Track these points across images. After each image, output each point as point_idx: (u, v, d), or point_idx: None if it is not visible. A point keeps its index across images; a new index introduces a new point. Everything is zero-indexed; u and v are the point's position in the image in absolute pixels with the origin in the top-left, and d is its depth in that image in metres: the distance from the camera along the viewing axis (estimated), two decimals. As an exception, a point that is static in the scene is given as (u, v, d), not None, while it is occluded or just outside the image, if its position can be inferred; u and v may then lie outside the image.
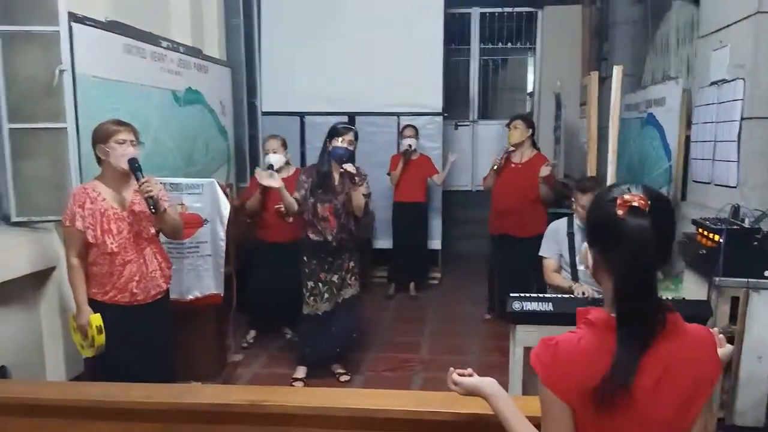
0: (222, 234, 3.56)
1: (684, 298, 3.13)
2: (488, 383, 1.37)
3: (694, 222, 3.34)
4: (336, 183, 3.66)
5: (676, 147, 4.32)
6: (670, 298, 3.10)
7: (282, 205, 3.77)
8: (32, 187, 3.22)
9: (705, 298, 3.08)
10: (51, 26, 3.17)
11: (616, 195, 1.15)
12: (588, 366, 1.13)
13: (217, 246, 3.57)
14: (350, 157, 3.60)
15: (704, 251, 3.14)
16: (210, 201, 3.55)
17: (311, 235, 3.62)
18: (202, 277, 3.59)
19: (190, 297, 3.58)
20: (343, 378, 3.77)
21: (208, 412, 1.67)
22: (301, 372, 3.76)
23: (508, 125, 4.70)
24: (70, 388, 2.02)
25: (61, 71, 3.19)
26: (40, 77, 3.19)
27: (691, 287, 3.40)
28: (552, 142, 6.65)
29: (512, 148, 4.61)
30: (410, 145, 5.41)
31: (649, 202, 1.13)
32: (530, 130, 4.60)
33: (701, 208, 3.76)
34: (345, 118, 5.89)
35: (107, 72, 3.63)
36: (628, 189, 1.16)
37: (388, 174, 5.54)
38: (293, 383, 3.68)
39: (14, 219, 3.21)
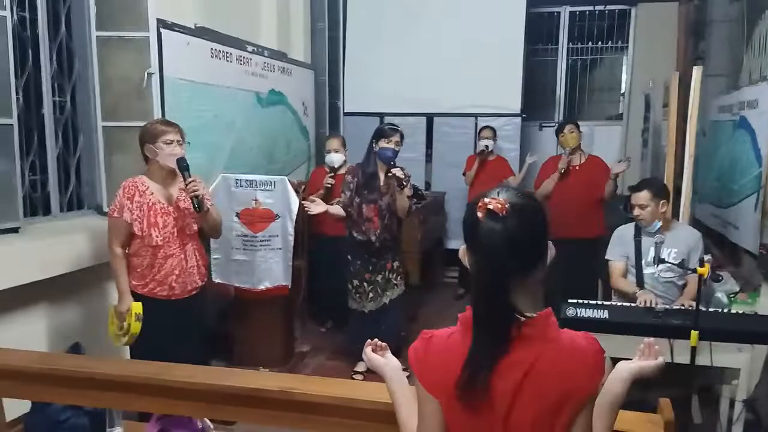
0: (291, 229, 3.73)
1: (756, 313, 2.95)
2: (391, 366, 1.40)
3: (774, 233, 3.13)
4: (381, 184, 3.71)
5: (767, 152, 4.04)
6: (740, 312, 2.94)
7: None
8: (122, 181, 3.49)
9: (782, 313, 2.89)
10: (141, 32, 3.44)
11: (482, 197, 1.15)
12: (452, 362, 1.15)
13: (286, 240, 3.75)
14: (396, 157, 3.65)
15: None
16: (281, 197, 3.73)
17: (355, 234, 3.70)
18: (272, 269, 3.78)
19: (261, 287, 3.78)
20: (368, 368, 3.82)
21: (242, 395, 1.79)
22: (361, 366, 3.85)
23: (558, 132, 4.66)
24: (122, 365, 2.20)
25: (150, 74, 3.47)
26: (131, 79, 3.46)
27: (768, 302, 3.20)
28: (639, 145, 6.37)
29: (570, 152, 4.57)
30: (486, 146, 5.38)
31: (507, 207, 1.12)
32: (581, 134, 4.64)
33: (790, 219, 3.50)
34: (423, 119, 5.97)
35: (194, 75, 3.90)
36: (497, 193, 1.16)
37: (464, 174, 5.54)
38: (353, 376, 3.79)
39: (106, 209, 3.50)
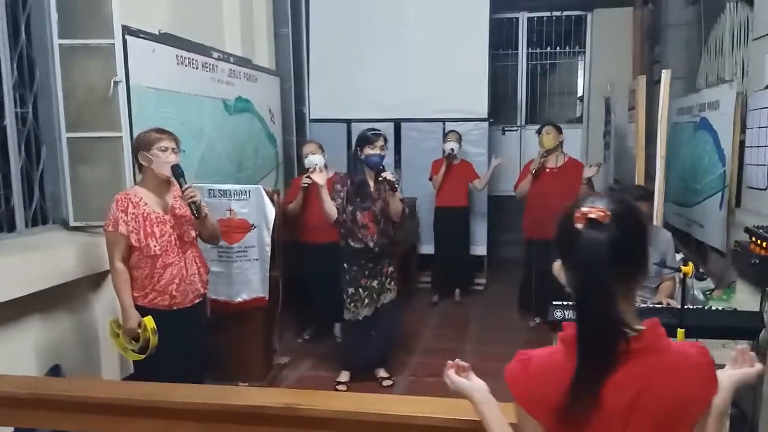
0: (268, 239, 3.65)
1: (735, 309, 3.03)
2: (478, 389, 1.34)
3: (747, 230, 3.22)
4: (372, 190, 3.69)
5: (730, 152, 4.18)
6: (720, 308, 3.01)
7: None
8: (89, 193, 3.36)
9: (758, 309, 2.97)
10: (106, 39, 3.31)
11: (577, 207, 1.11)
12: (556, 382, 1.09)
13: (263, 250, 3.67)
14: (382, 162, 3.64)
15: (757, 260, 3.02)
16: (256, 206, 3.65)
17: (352, 243, 3.66)
18: (249, 281, 3.69)
19: (239, 300, 3.69)
20: (386, 383, 3.80)
21: (245, 413, 1.71)
22: (344, 376, 3.81)
23: (538, 132, 4.75)
24: (116, 386, 2.11)
25: (116, 82, 3.34)
26: (96, 88, 3.34)
27: (744, 298, 3.28)
28: (602, 147, 6.52)
29: (545, 153, 4.64)
30: (452, 149, 5.42)
31: (609, 215, 1.07)
32: (561, 136, 4.71)
33: (755, 215, 3.62)
34: (391, 125, 5.95)
35: (160, 82, 3.79)
36: (592, 201, 1.11)
37: (430, 179, 5.55)
38: (337, 387, 3.73)
39: (72, 224, 3.37)
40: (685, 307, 2.74)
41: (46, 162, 3.34)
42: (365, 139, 3.64)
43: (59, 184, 3.38)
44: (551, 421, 1.11)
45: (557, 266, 1.17)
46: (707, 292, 3.48)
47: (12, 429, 2.08)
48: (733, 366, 1.30)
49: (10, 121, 3.07)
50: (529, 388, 1.14)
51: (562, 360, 1.12)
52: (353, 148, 3.76)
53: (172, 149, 2.78)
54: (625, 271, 1.10)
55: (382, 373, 3.85)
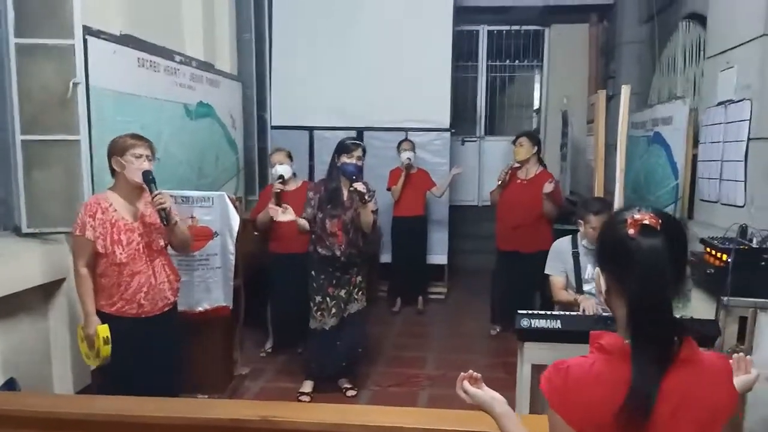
0: (231, 247, 3.58)
1: (692, 317, 3.13)
2: (499, 402, 1.34)
3: (702, 241, 3.34)
4: (345, 199, 3.68)
5: (683, 165, 4.34)
6: (681, 316, 3.11)
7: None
8: (43, 199, 3.23)
9: (713, 317, 3.08)
10: (66, 39, 3.20)
11: (627, 215, 1.13)
12: (600, 393, 1.10)
13: (226, 258, 3.59)
14: (359, 172, 3.61)
15: (712, 270, 3.13)
16: (220, 214, 3.57)
17: (320, 250, 3.63)
18: (211, 290, 3.61)
19: (200, 309, 3.60)
20: (350, 393, 3.76)
21: (220, 427, 1.67)
22: (307, 386, 3.75)
23: (514, 142, 4.76)
24: (83, 401, 2.03)
25: (75, 84, 3.23)
26: (54, 89, 3.21)
27: (699, 306, 3.39)
28: (558, 159, 6.67)
29: (518, 165, 4.67)
30: (409, 159, 5.44)
31: (660, 221, 1.11)
32: (536, 147, 4.67)
33: (708, 227, 3.76)
34: (353, 133, 5.94)
35: (121, 85, 3.68)
36: (638, 209, 1.14)
37: (388, 189, 5.55)
38: (300, 398, 3.67)
39: (25, 230, 3.22)
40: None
41: (-1, 165, 3.20)
42: (343, 148, 3.64)
43: (12, 188, 3.23)
44: (594, 430, 1.12)
45: (597, 272, 1.19)
46: (663, 301, 3.58)
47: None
48: (736, 373, 1.35)
49: (-40, 121, 2.93)
50: (570, 398, 1.13)
51: (604, 369, 1.12)
52: (332, 156, 3.74)
53: (147, 156, 2.74)
54: (680, 275, 1.14)
55: (345, 383, 3.82)
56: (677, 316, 2.97)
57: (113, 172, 2.76)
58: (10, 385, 2.26)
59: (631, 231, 1.11)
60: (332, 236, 3.62)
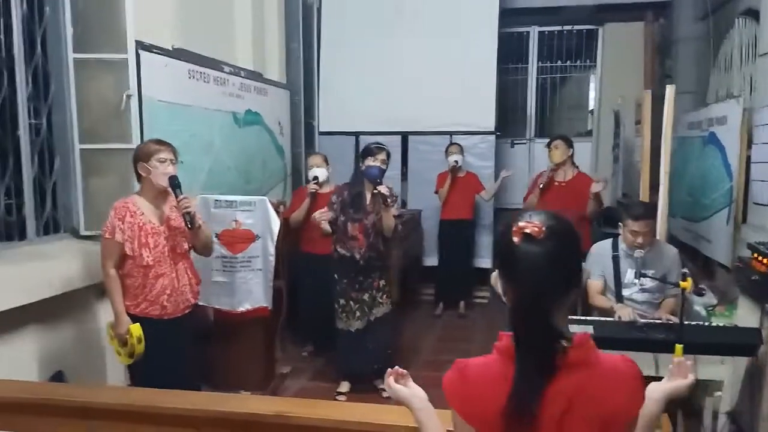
0: (272, 249, 3.70)
1: (735, 326, 3.02)
2: (419, 398, 1.38)
3: (749, 246, 3.21)
4: (367, 202, 3.73)
5: (737, 167, 4.17)
6: (720, 324, 3.00)
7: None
8: (100, 203, 3.40)
9: (757, 325, 2.96)
10: (120, 54, 3.41)
11: (517, 221, 1.15)
12: (490, 391, 1.14)
13: (267, 261, 3.72)
14: (382, 175, 3.68)
15: (758, 277, 3.02)
16: (261, 217, 3.70)
17: (340, 250, 3.72)
18: (252, 291, 3.74)
19: (241, 309, 3.74)
20: (386, 394, 3.80)
21: (238, 420, 1.76)
22: (344, 386, 3.84)
23: (548, 145, 4.74)
24: (116, 392, 2.16)
25: (129, 96, 3.43)
26: (109, 101, 3.43)
27: (745, 314, 3.27)
28: (611, 161, 6.51)
29: (554, 167, 4.64)
30: (456, 161, 5.45)
31: (544, 230, 1.12)
32: (570, 150, 4.68)
33: (761, 231, 3.60)
34: (398, 138, 6.02)
35: (172, 96, 3.87)
36: (529, 216, 1.16)
37: (436, 192, 5.58)
38: (337, 397, 3.76)
39: (82, 233, 3.44)
40: (684, 322, 2.74)
41: (59, 172, 3.43)
42: (368, 151, 3.72)
43: (71, 194, 3.46)
44: (487, 429, 1.15)
45: (494, 277, 1.21)
46: (709, 308, 3.47)
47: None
48: (669, 378, 1.34)
49: (24, 131, 3.15)
50: (466, 396, 1.18)
51: (498, 370, 1.17)
52: (356, 159, 3.82)
53: (171, 160, 2.84)
54: (562, 283, 1.14)
55: (380, 384, 3.88)
56: (722, 324, 2.89)
57: (139, 177, 2.87)
58: (58, 377, 2.43)
59: (515, 238, 1.13)
60: (353, 239, 3.69)
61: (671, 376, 1.34)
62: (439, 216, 5.72)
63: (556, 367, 1.11)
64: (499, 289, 1.20)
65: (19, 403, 1.86)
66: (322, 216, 3.63)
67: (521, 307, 1.14)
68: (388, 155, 3.76)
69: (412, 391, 1.40)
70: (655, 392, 1.29)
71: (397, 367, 1.45)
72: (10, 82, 3.07)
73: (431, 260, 6.06)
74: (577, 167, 4.76)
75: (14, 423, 1.91)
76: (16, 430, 1.92)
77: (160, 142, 2.89)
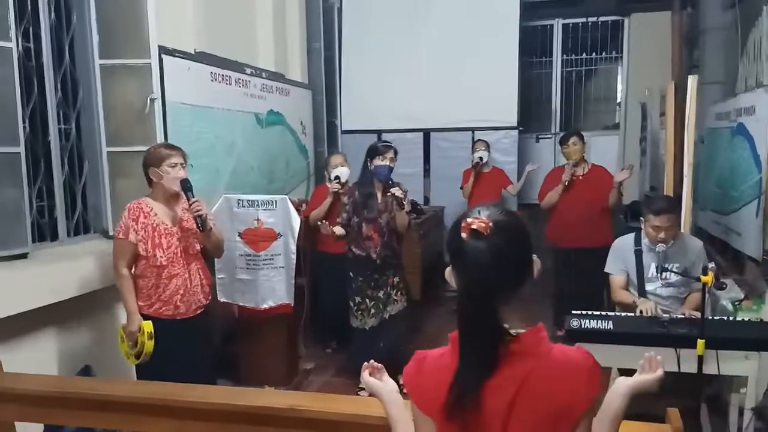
0: (293, 247, 3.76)
1: (761, 320, 2.96)
2: (388, 389, 1.40)
3: (777, 239, 3.15)
4: (379, 202, 3.74)
5: (765, 158, 4.07)
6: (746, 319, 2.95)
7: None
8: (127, 204, 3.54)
9: (786, 318, 2.90)
10: (144, 59, 3.50)
11: (466, 217, 1.16)
12: (444, 381, 1.16)
13: (289, 258, 3.78)
14: (390, 174, 3.70)
15: (786, 270, 2.97)
16: (282, 216, 3.76)
17: (355, 250, 3.74)
18: (275, 288, 3.80)
19: (265, 306, 3.81)
20: (368, 392, 3.82)
21: (254, 414, 1.81)
22: (366, 382, 3.86)
23: (562, 143, 4.72)
24: (137, 386, 2.23)
25: (152, 99, 3.52)
26: (134, 105, 3.52)
27: (775, 308, 3.21)
28: (638, 154, 6.41)
29: (575, 164, 4.64)
30: (480, 158, 5.44)
31: (491, 225, 1.13)
32: (585, 144, 4.70)
33: (790, 224, 3.53)
34: (420, 135, 6.02)
35: (195, 99, 3.96)
36: (478, 212, 1.16)
37: (461, 188, 5.58)
38: (359, 392, 3.79)
39: (111, 233, 3.52)
40: (708, 317, 2.69)
41: (88, 175, 3.54)
42: (375, 150, 3.72)
43: (100, 195, 3.57)
44: (441, 419, 1.17)
45: (448, 271, 1.22)
46: (736, 303, 3.40)
47: (42, 426, 2.23)
48: (640, 373, 1.32)
49: (53, 136, 3.27)
50: (421, 386, 1.21)
51: (449, 360, 1.18)
52: (364, 160, 3.82)
53: (181, 164, 2.87)
54: (507, 278, 1.15)
55: (401, 379, 3.89)
56: (747, 319, 2.83)
57: (150, 181, 2.90)
58: (86, 371, 2.52)
59: (463, 234, 1.14)
60: (368, 239, 3.71)
61: (641, 370, 1.32)
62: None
63: (498, 360, 1.13)
64: (453, 282, 1.21)
65: (47, 397, 1.94)
66: (327, 230, 3.64)
67: (465, 300, 1.16)
68: (396, 153, 3.77)
69: (383, 384, 1.43)
70: (621, 386, 1.27)
71: (372, 361, 1.48)
72: (40, 89, 3.18)
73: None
74: (587, 161, 4.77)
75: (42, 415, 2.00)
76: (43, 422, 2.00)
77: (169, 146, 2.93)
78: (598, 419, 1.21)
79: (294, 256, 3.75)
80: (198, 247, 3.01)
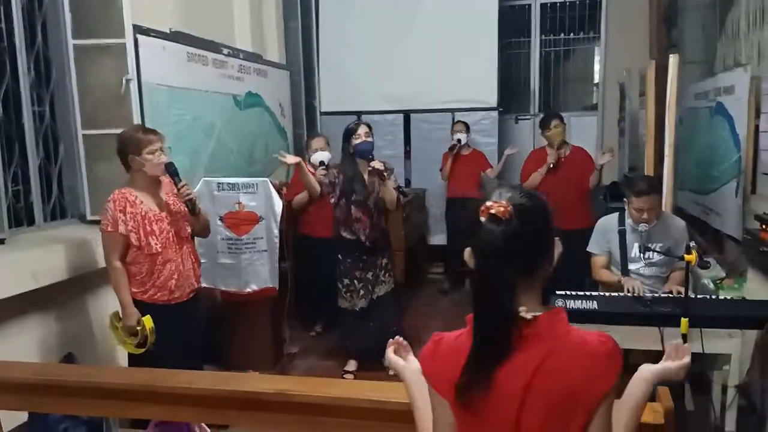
0: (276, 230, 3.72)
1: (743, 298, 3.00)
2: (411, 370, 1.39)
3: (757, 217, 3.19)
4: (367, 183, 3.73)
5: (745, 138, 4.12)
6: (728, 297, 2.99)
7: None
8: (105, 188, 3.37)
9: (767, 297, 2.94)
10: (118, 38, 3.39)
11: (486, 201, 1.15)
12: (459, 363, 1.15)
13: (272, 242, 3.74)
14: (372, 148, 3.69)
15: (766, 248, 3.00)
16: (264, 199, 3.72)
17: (344, 234, 3.72)
18: (258, 272, 3.77)
19: (248, 290, 3.78)
20: (392, 371, 3.83)
21: (242, 399, 1.79)
22: (351, 365, 3.88)
23: (542, 125, 4.72)
24: (122, 373, 2.20)
25: (128, 80, 3.42)
26: (110, 86, 3.42)
27: (755, 286, 3.25)
28: (617, 135, 6.45)
29: (558, 146, 4.66)
30: (459, 140, 5.42)
31: (510, 210, 1.12)
32: (565, 125, 4.71)
33: (771, 202, 3.57)
34: (400, 116, 5.98)
35: (171, 80, 3.87)
36: (499, 195, 1.16)
37: (440, 170, 5.56)
38: (344, 375, 3.80)
39: (89, 217, 3.46)
40: (691, 296, 2.72)
41: (64, 158, 3.45)
42: (349, 131, 3.71)
43: (76, 179, 3.48)
44: (455, 399, 1.16)
45: (467, 252, 1.21)
46: (717, 281, 3.45)
47: (26, 414, 2.18)
48: (665, 360, 1.31)
49: (27, 119, 3.17)
50: (437, 368, 1.21)
51: (465, 342, 1.17)
52: (342, 144, 3.79)
53: (161, 149, 2.79)
54: (526, 262, 1.15)
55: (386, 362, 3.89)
56: (730, 297, 2.86)
57: (127, 167, 2.82)
58: (69, 359, 2.48)
59: (482, 218, 1.14)
60: (357, 221, 3.70)
61: (667, 357, 1.31)
62: (445, 195, 5.69)
63: (513, 344, 1.12)
64: (471, 265, 1.20)
65: (31, 384, 1.89)
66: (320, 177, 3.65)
67: (482, 283, 1.16)
68: (369, 127, 3.75)
69: (407, 364, 1.42)
70: (645, 373, 1.27)
71: (399, 337, 1.46)
72: (12, 71, 3.08)
73: (438, 239, 6.05)
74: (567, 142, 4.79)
75: (25, 403, 1.95)
76: (27, 409, 1.96)
77: (147, 130, 2.84)
78: (620, 404, 1.20)
79: (277, 240, 3.71)
80: (189, 230, 2.98)
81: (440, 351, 1.22)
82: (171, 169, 2.80)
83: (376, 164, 3.57)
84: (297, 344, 4.33)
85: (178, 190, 2.81)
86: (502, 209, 1.12)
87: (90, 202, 3.47)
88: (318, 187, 3.69)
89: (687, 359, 1.29)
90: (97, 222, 3.42)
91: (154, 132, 2.84)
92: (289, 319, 4.27)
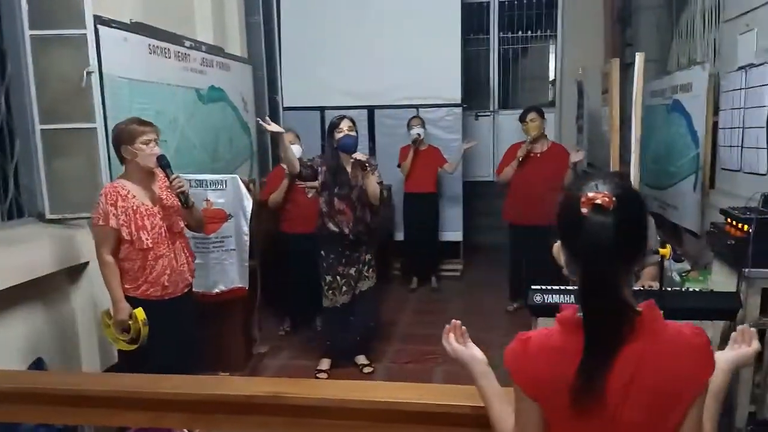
0: (245, 228, 3.64)
1: (712, 290, 3.09)
2: (479, 361, 1.35)
3: (723, 211, 3.28)
4: (350, 176, 3.70)
5: (703, 134, 4.26)
6: (696, 289, 3.07)
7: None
8: (65, 185, 3.30)
9: (734, 289, 3.03)
10: (78, 29, 3.24)
11: (583, 192, 1.11)
12: (555, 364, 1.12)
13: (241, 240, 3.66)
14: (356, 142, 3.68)
15: (733, 241, 3.08)
16: (233, 196, 3.63)
17: (329, 225, 3.68)
18: (227, 271, 3.68)
19: (216, 290, 3.68)
20: (366, 370, 3.83)
21: (233, 403, 1.72)
22: (325, 364, 3.83)
23: (521, 119, 4.74)
24: (104, 379, 2.09)
25: (89, 73, 3.27)
26: (70, 79, 3.26)
27: (720, 279, 3.35)
28: (575, 131, 6.58)
29: (532, 140, 4.69)
30: (419, 134, 5.43)
31: (614, 200, 1.09)
32: (545, 121, 4.74)
33: (730, 197, 3.69)
34: (364, 112, 5.94)
35: (133, 72, 3.72)
36: (596, 186, 1.11)
37: (398, 166, 5.56)
38: (317, 375, 3.75)
39: (48, 216, 3.30)
40: (665, 289, 2.78)
41: (21, 154, 3.27)
42: (333, 125, 3.69)
43: (34, 176, 3.30)
44: (549, 401, 1.13)
45: (556, 248, 1.18)
46: (683, 274, 3.55)
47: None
48: (732, 346, 1.32)
49: (-20, 113, 3.00)
50: (528, 370, 1.15)
51: (560, 342, 1.14)
52: (326, 138, 3.77)
53: (155, 140, 2.77)
54: (631, 253, 1.13)
55: (362, 359, 3.88)
56: (699, 289, 2.92)
57: (122, 159, 2.79)
58: (38, 364, 2.36)
59: (583, 209, 1.10)
60: (340, 214, 3.67)
61: (734, 344, 1.31)
62: (403, 190, 5.70)
63: (624, 339, 1.09)
64: (562, 261, 1.17)
65: (5, 393, 1.77)
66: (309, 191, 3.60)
67: (590, 279, 1.10)
68: (353, 121, 3.73)
69: (473, 354, 1.36)
70: (722, 362, 1.26)
71: (454, 321, 1.41)
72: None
73: (401, 235, 6.05)
74: (548, 139, 4.85)
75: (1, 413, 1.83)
76: (2, 420, 1.84)
77: (141, 122, 2.81)
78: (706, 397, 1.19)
79: (247, 238, 3.63)
80: (182, 224, 2.93)
81: (530, 351, 1.16)
82: (163, 162, 2.76)
83: (358, 156, 3.57)
84: (266, 343, 4.25)
85: (171, 182, 2.77)
86: (607, 200, 1.08)
87: (48, 200, 3.31)
88: (297, 164, 3.62)
89: (756, 343, 1.29)
90: (56, 221, 3.30)
91: (149, 123, 2.81)
92: (258, 319, 4.19)
